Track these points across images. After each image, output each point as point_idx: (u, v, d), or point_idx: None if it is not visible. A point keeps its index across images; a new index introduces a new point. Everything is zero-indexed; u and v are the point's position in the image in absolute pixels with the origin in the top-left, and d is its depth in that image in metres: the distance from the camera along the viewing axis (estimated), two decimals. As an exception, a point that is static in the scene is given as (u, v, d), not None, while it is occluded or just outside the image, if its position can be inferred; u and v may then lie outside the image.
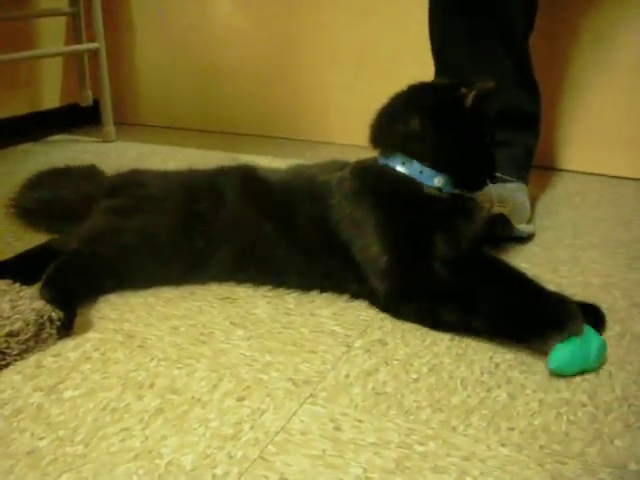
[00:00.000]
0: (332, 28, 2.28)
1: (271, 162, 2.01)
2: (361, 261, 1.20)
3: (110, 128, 2.42)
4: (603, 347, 1.06)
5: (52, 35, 2.50)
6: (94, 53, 2.36)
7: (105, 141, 2.41)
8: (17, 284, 1.19)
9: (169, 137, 2.50)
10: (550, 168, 2.10)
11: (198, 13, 2.48)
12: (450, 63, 1.64)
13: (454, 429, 0.91)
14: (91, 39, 2.38)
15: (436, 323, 1.14)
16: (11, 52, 2.15)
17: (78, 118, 2.55)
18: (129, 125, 2.63)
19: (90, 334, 1.14)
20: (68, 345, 1.10)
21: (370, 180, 1.25)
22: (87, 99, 2.51)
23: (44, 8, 2.46)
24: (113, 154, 2.25)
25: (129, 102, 2.67)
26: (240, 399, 0.96)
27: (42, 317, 1.09)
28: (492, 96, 1.21)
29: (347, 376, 1.02)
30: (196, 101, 2.57)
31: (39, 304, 1.12)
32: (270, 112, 2.44)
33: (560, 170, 2.10)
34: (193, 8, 2.49)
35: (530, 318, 1.07)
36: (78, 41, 2.45)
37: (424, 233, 1.20)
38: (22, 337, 1.07)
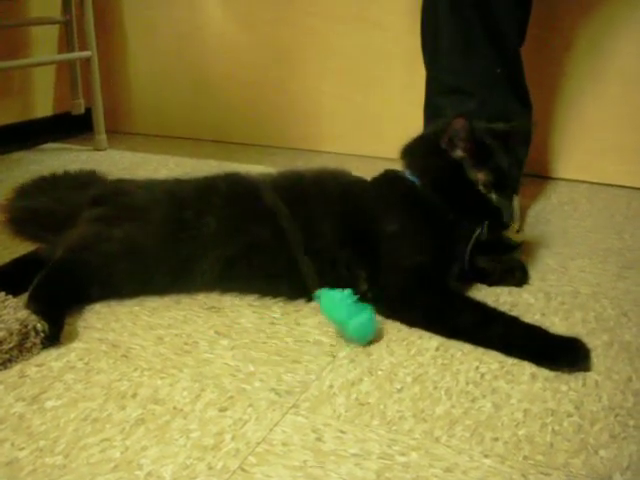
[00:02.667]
0: (324, 36, 2.27)
1: (262, 171, 2.04)
2: (386, 257, 1.22)
3: (102, 136, 2.41)
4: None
5: (44, 43, 2.50)
6: (86, 61, 2.36)
7: (97, 149, 2.40)
8: (2, 293, 1.18)
9: (161, 145, 2.49)
10: (542, 176, 2.09)
11: (190, 21, 2.48)
12: (442, 71, 1.64)
13: (437, 440, 0.90)
14: (83, 47, 2.37)
15: (446, 326, 1.15)
16: (3, 60, 2.15)
17: (70, 126, 2.54)
18: (121, 134, 2.62)
19: (75, 344, 1.13)
20: (52, 355, 1.10)
21: (406, 190, 1.29)
22: (79, 107, 2.50)
23: (36, 16, 2.46)
24: (105, 163, 2.24)
25: (121, 111, 2.67)
26: (222, 409, 0.96)
27: (26, 327, 1.09)
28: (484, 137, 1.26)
29: (331, 386, 1.01)
30: (188, 109, 2.57)
31: (23, 314, 1.11)
32: (261, 120, 2.44)
33: (552, 178, 2.09)
34: (185, 16, 2.48)
35: (543, 341, 1.10)
36: (70, 49, 2.44)
37: (449, 248, 1.25)
38: (5, 347, 1.06)
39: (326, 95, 2.33)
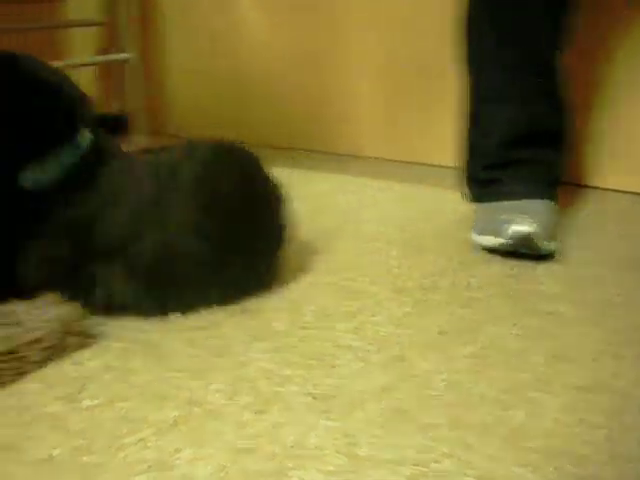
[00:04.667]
0: (363, 37, 2.27)
1: (304, 175, 2.05)
2: None
3: (142, 138, 2.43)
4: None
5: (84, 45, 2.53)
6: (125, 63, 2.38)
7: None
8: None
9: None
10: (584, 186, 2.07)
11: (226, 23, 2.49)
12: (481, 80, 1.64)
13: (470, 447, 0.90)
14: (122, 49, 2.40)
15: None
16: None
17: (110, 128, 2.56)
18: (161, 135, 2.64)
19: (111, 343, 1.14)
20: (88, 353, 1.11)
21: None
22: (119, 109, 2.53)
23: (75, 18, 2.49)
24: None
25: (162, 112, 2.69)
26: (258, 412, 0.96)
27: (65, 325, 1.10)
28: None
29: (364, 392, 1.01)
30: (226, 112, 2.58)
31: (63, 312, 1.13)
32: (297, 123, 2.45)
33: (594, 188, 2.07)
34: (220, 17, 2.50)
35: None
36: (110, 51, 2.47)
37: None
38: (44, 344, 1.07)
39: (365, 98, 2.32)
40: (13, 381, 1.03)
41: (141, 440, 0.91)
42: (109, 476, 0.84)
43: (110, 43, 2.48)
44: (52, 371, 1.06)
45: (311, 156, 2.37)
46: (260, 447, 0.89)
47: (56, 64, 2.25)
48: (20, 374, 1.04)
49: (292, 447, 0.89)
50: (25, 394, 1.01)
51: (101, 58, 2.51)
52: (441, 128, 2.09)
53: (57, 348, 1.09)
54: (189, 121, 2.66)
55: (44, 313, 1.12)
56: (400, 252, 1.53)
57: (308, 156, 2.37)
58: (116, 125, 2.50)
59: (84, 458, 0.87)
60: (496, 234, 1.46)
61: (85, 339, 1.13)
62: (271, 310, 1.26)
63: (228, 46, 2.51)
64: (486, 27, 1.60)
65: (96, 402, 0.99)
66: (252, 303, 1.28)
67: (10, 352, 1.04)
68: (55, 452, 0.88)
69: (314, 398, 1.00)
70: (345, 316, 1.24)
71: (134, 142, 2.43)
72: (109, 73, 2.55)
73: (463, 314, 1.26)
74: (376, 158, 2.31)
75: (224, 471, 0.85)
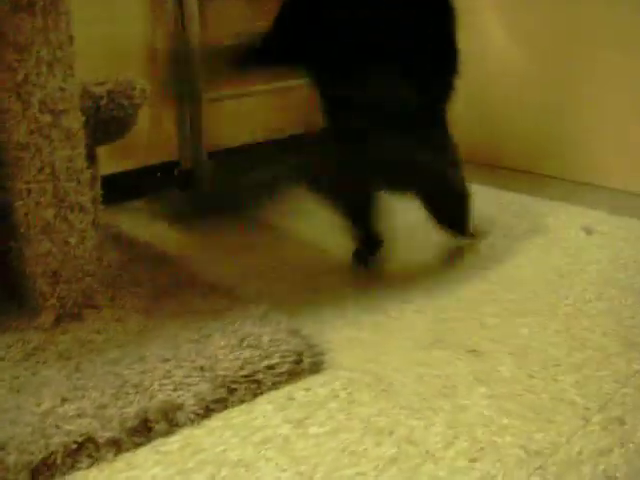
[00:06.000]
0: (612, 67, 2.22)
1: (536, 204, 2.03)
2: None
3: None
4: None
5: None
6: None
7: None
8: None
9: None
10: None
11: (477, 47, 2.51)
12: None
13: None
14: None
15: None
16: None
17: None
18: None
19: (341, 372, 1.21)
20: (318, 380, 1.18)
21: None
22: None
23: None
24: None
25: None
26: (472, 460, 0.99)
27: (298, 353, 1.18)
28: None
29: (580, 453, 1.01)
30: (465, 135, 2.60)
31: (296, 340, 1.21)
32: (540, 148, 2.42)
33: None
34: (472, 42, 2.52)
35: None
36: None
37: None
38: (277, 370, 1.16)
39: (610, 127, 2.26)
40: (248, 402, 1.12)
41: (360, 474, 0.96)
42: (327, 507, 0.90)
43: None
44: (284, 395, 1.14)
45: (545, 181, 2.32)
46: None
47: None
48: (255, 395, 1.13)
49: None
50: (258, 415, 1.09)
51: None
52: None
53: (291, 374, 1.17)
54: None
55: (282, 341, 1.20)
56: (636, 301, 1.48)
57: (542, 181, 2.32)
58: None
59: (307, 486, 0.94)
60: None
61: (316, 366, 1.20)
62: (498, 353, 1.28)
63: (478, 72, 2.52)
64: None
65: (322, 430, 1.05)
66: (480, 344, 1.30)
67: (248, 375, 1.13)
68: (283, 475, 0.96)
69: (527, 453, 1.01)
70: (571, 368, 1.23)
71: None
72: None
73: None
74: (613, 189, 2.23)
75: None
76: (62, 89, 1.21)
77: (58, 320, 1.28)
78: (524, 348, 1.29)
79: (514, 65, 2.43)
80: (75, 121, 1.23)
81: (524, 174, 2.40)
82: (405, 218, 1.69)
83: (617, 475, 0.98)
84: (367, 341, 1.31)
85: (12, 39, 1.17)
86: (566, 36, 2.30)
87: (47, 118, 1.21)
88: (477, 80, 2.52)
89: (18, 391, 1.12)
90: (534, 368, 1.23)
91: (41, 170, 1.22)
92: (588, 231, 1.84)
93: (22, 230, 1.24)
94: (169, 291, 1.41)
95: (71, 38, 1.20)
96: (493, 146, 2.54)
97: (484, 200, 2.03)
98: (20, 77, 1.18)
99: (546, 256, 1.69)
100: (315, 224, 1.80)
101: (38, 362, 1.19)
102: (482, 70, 2.51)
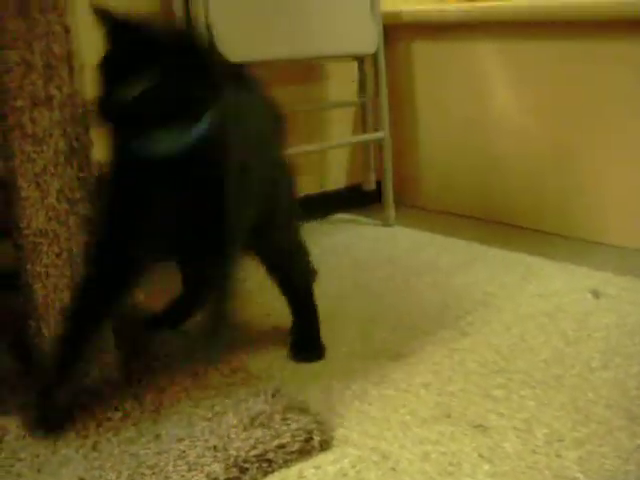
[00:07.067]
0: (613, 122, 2.25)
1: (542, 265, 2.06)
2: None
3: (390, 212, 2.55)
4: None
5: (341, 123, 2.70)
6: (379, 141, 2.53)
7: (385, 225, 2.55)
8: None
9: (446, 224, 2.57)
10: None
11: (477, 106, 2.56)
12: None
13: None
14: (376, 128, 2.54)
15: None
16: (305, 142, 2.38)
17: (360, 199, 2.72)
18: (408, 207, 2.74)
19: (349, 449, 1.24)
20: (328, 458, 1.21)
21: None
22: (370, 183, 2.69)
23: (335, 100, 2.66)
24: (390, 241, 2.40)
25: (410, 185, 2.79)
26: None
27: (309, 432, 1.22)
28: None
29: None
30: (471, 190, 2.64)
31: (307, 418, 1.25)
32: (543, 205, 2.45)
33: None
34: (474, 99, 2.57)
35: None
36: (365, 130, 2.63)
37: None
38: (288, 449, 1.19)
39: (613, 183, 2.29)
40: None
41: None
42: None
43: (366, 123, 2.64)
44: (295, 474, 1.18)
45: (552, 241, 2.35)
46: None
47: (316, 146, 2.49)
48: (266, 474, 1.17)
49: None
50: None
51: (357, 138, 2.68)
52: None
53: (301, 452, 1.21)
54: (436, 196, 2.75)
55: (293, 420, 1.24)
56: (642, 370, 1.50)
57: (550, 241, 2.35)
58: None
59: None
60: None
61: (326, 443, 1.24)
62: (504, 428, 1.30)
63: (479, 129, 2.57)
64: None
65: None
66: (486, 418, 1.33)
67: (260, 455, 1.17)
68: None
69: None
70: (574, 443, 1.25)
71: (383, 215, 2.55)
72: (363, 149, 2.72)
73: None
74: (622, 248, 2.25)
75: None
76: (79, 178, 1.26)
77: (76, 397, 1.31)
78: (529, 422, 1.31)
79: (516, 122, 2.47)
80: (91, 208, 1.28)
81: (528, 231, 2.44)
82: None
83: None
84: (376, 417, 1.34)
85: (31, 131, 1.22)
86: (569, 93, 2.35)
87: (64, 206, 1.25)
88: (479, 138, 2.57)
89: (39, 470, 1.16)
90: (538, 444, 1.25)
91: (59, 255, 1.26)
92: (595, 294, 1.86)
93: (41, 311, 1.29)
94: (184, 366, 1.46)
95: (87, 129, 1.25)
96: (498, 202, 2.58)
97: (492, 261, 2.08)
98: (39, 168, 1.23)
99: (553, 322, 1.71)
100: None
101: (57, 440, 1.23)
102: (486, 131, 2.55)
